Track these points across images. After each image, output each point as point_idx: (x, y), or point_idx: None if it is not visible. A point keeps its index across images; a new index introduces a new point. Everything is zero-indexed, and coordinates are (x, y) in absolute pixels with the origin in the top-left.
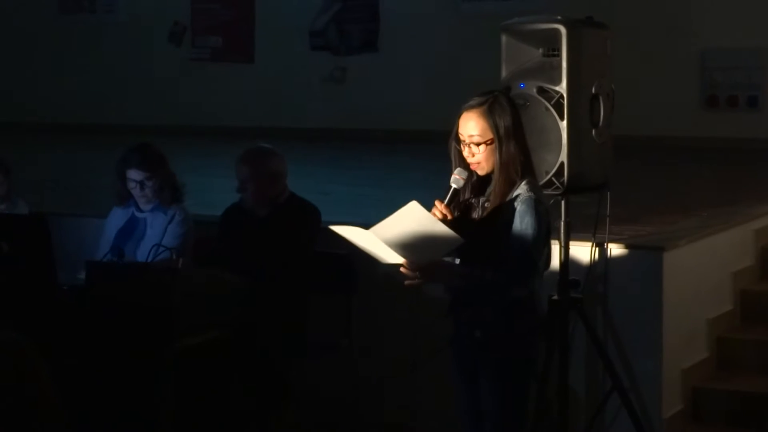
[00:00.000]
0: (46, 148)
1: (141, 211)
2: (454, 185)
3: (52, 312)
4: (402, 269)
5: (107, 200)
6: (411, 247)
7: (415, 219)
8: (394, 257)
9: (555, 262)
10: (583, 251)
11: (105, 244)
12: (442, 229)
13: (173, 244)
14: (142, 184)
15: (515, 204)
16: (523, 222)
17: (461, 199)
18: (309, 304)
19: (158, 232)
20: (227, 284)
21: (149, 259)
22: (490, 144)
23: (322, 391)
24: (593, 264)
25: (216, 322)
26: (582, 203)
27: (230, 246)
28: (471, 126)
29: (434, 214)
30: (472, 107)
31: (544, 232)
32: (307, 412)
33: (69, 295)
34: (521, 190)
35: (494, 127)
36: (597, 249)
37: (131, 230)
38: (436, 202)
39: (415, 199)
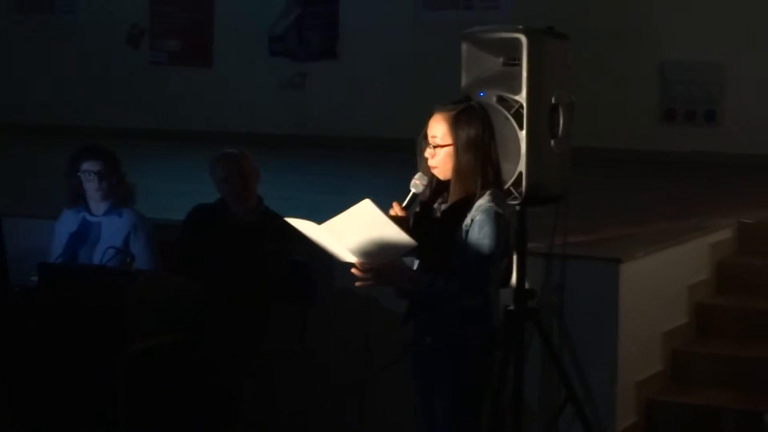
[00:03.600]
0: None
1: (93, 215)
2: (413, 189)
3: (4, 314)
4: (353, 270)
5: (61, 202)
6: (363, 247)
7: (367, 218)
8: (347, 255)
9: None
10: (539, 261)
11: (57, 247)
12: (395, 230)
13: (137, 249)
14: (99, 175)
15: (475, 213)
16: (480, 232)
17: (420, 205)
18: (269, 312)
19: (113, 236)
20: (184, 288)
21: (103, 262)
22: (448, 149)
23: (276, 399)
24: (550, 274)
25: (171, 326)
26: (540, 213)
27: (203, 248)
28: (436, 127)
29: (390, 215)
30: (441, 110)
31: (502, 245)
32: (258, 419)
33: (21, 297)
34: (483, 200)
35: (455, 135)
36: (554, 259)
37: (85, 235)
38: (394, 204)
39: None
